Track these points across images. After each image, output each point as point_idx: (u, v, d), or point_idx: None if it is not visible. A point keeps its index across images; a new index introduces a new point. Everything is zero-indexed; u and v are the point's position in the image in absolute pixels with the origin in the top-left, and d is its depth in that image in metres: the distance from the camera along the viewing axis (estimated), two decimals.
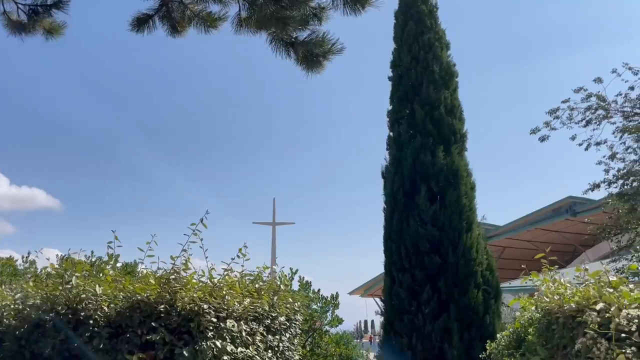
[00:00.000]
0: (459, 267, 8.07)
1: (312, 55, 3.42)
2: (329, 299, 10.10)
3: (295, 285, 10.60)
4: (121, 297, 3.83)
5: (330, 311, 10.09)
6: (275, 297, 5.03)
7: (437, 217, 8.37)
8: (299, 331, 6.08)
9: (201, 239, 4.38)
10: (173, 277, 3.72)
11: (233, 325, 3.75)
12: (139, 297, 3.63)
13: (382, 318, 9.11)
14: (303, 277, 10.69)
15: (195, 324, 3.51)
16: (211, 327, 3.58)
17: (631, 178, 10.57)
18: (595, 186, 10.75)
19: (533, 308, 3.86)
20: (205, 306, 3.54)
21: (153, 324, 3.57)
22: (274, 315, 4.87)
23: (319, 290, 10.47)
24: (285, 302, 5.44)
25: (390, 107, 9.63)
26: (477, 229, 8.58)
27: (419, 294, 8.19)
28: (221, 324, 3.69)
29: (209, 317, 3.54)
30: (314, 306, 10.08)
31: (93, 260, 10.61)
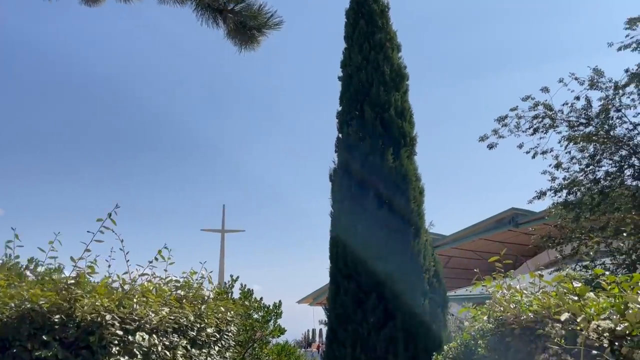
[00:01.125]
0: (406, 273, 7.76)
1: (244, 27, 2.97)
2: (271, 307, 9.56)
3: (237, 294, 10.02)
4: (12, 305, 3.20)
5: (272, 321, 9.56)
6: (203, 307, 4.49)
7: (384, 222, 8.05)
8: (232, 343, 5.54)
9: (122, 240, 3.81)
10: (72, 281, 3.13)
11: (144, 339, 3.19)
12: (28, 306, 3.02)
13: (326, 327, 8.68)
14: (245, 285, 10.12)
15: (95, 338, 2.94)
16: (116, 341, 3.02)
17: (574, 188, 10.65)
18: (542, 194, 10.76)
19: (485, 318, 3.51)
20: (109, 316, 2.97)
21: (45, 337, 2.97)
22: (200, 326, 4.33)
23: (261, 298, 9.93)
24: (216, 311, 4.91)
25: (339, 109, 9.28)
26: (425, 235, 8.32)
27: (364, 302, 7.82)
28: (129, 337, 3.13)
29: (112, 329, 2.98)
30: (255, 315, 9.52)
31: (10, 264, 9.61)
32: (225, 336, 5.20)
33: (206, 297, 4.79)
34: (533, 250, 38.85)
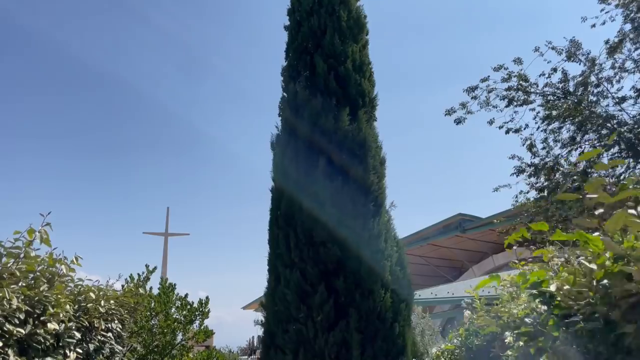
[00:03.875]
0: (363, 260, 6.21)
1: None
2: (195, 305, 7.78)
3: (155, 289, 8.18)
4: None
5: (197, 321, 7.78)
6: (44, 287, 2.75)
7: (338, 196, 6.47)
8: (119, 348, 3.77)
9: None
10: None
11: None
12: None
13: (262, 330, 6.99)
14: (166, 279, 8.29)
15: None
16: None
17: (548, 171, 9.47)
18: (520, 171, 9.49)
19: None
20: None
21: None
22: (37, 317, 2.59)
23: (186, 295, 8.13)
24: (83, 299, 3.16)
25: (285, 63, 7.66)
26: (386, 214, 6.80)
27: (310, 296, 6.19)
28: None
29: None
30: (176, 315, 7.71)
31: None
32: (102, 336, 3.45)
33: (59, 274, 3.03)
34: (479, 256, 38.79)
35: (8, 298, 2.38)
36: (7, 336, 2.42)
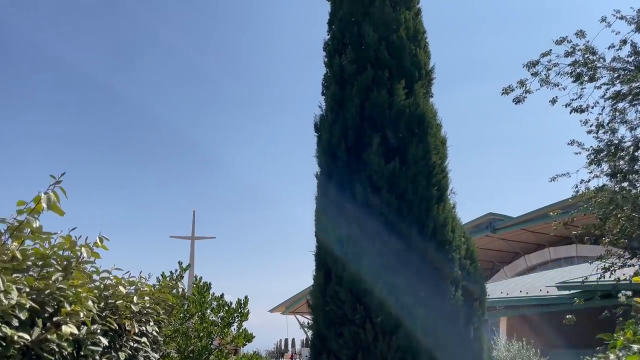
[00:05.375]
0: (428, 252, 5.38)
1: None
2: (234, 306, 7.03)
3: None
4: None
5: (235, 323, 7.04)
6: (57, 276, 2.00)
7: (395, 180, 5.65)
8: (155, 356, 3.03)
9: None
10: None
11: None
12: None
13: (311, 333, 6.21)
14: (200, 277, 7.58)
15: None
16: None
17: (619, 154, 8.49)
18: (598, 154, 8.47)
19: None
20: None
21: None
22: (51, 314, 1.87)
23: (221, 295, 7.40)
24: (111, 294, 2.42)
25: (328, 36, 6.88)
26: (450, 200, 5.96)
27: (367, 294, 5.39)
28: None
29: None
30: (212, 317, 6.99)
31: None
32: (136, 342, 2.70)
33: (78, 259, 2.29)
34: (510, 257, 37.40)
35: (3, 289, 1.65)
36: (4, 343, 1.70)
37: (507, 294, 19.25)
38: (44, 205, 1.84)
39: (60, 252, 2.33)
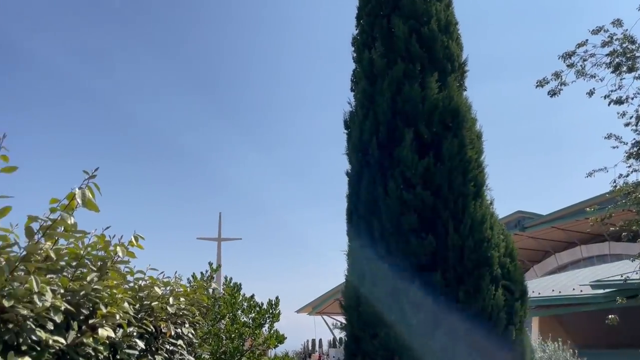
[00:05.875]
0: (466, 250, 5.18)
1: None
2: (264, 307, 6.94)
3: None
4: None
5: (267, 324, 6.94)
6: (93, 277, 1.91)
7: (430, 176, 5.47)
8: (187, 358, 2.92)
9: None
10: None
11: None
12: None
13: (344, 334, 6.07)
14: (230, 278, 7.51)
15: None
16: None
17: None
18: (633, 154, 8.12)
19: None
20: None
21: None
22: (87, 315, 1.77)
23: (252, 296, 7.32)
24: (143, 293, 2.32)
25: (356, 31, 6.73)
26: (487, 196, 5.75)
27: (403, 294, 5.22)
28: None
29: None
30: (244, 318, 6.91)
31: None
32: (171, 345, 2.59)
33: (114, 259, 2.19)
34: (540, 255, 36.52)
35: (37, 291, 1.56)
36: (39, 348, 1.61)
37: (539, 294, 18.81)
38: (79, 201, 1.74)
39: (95, 252, 2.24)
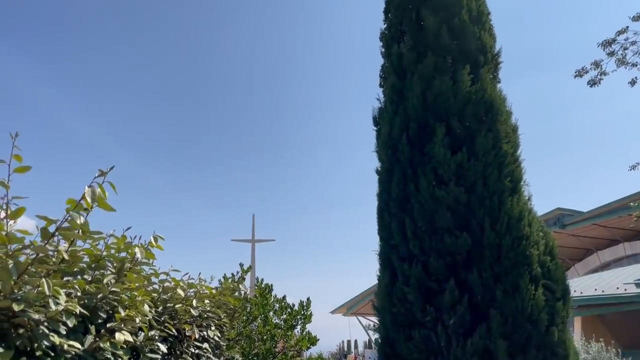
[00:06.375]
0: (503, 249, 4.97)
1: None
2: (296, 308, 6.85)
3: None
4: None
5: (299, 326, 6.85)
6: (109, 279, 1.84)
7: (463, 172, 5.28)
8: None
9: None
10: None
11: None
12: None
13: (377, 335, 5.92)
14: (262, 280, 7.46)
15: None
16: None
17: None
18: None
19: None
20: None
21: None
22: (104, 318, 1.71)
23: (283, 297, 7.25)
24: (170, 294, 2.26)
25: (385, 25, 6.58)
26: (525, 192, 5.51)
27: (437, 294, 5.05)
28: None
29: None
30: (275, 319, 6.84)
31: None
32: (197, 348, 2.52)
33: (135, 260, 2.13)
34: (581, 254, 35.35)
35: (49, 294, 1.50)
36: (53, 354, 1.55)
37: (581, 293, 18.21)
38: (88, 199, 1.67)
39: (118, 254, 2.19)
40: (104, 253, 2.05)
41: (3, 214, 1.67)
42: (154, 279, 2.54)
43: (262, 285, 7.23)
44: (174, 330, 2.28)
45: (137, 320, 1.87)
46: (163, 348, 2.12)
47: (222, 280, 6.36)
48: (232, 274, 6.57)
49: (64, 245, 1.76)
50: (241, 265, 6.66)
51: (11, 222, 1.71)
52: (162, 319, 2.27)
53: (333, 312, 43.62)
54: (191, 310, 2.40)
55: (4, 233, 1.62)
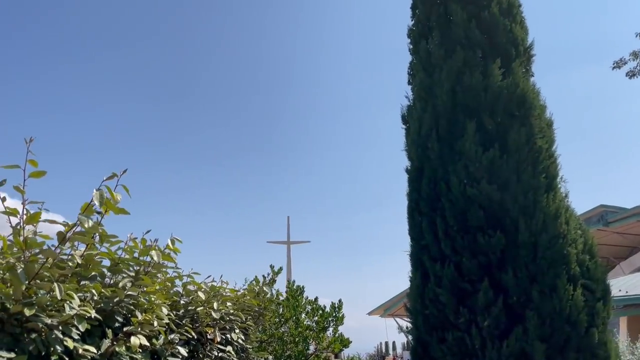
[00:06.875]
0: (539, 248, 4.79)
1: None
2: (328, 310, 6.80)
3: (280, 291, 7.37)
4: None
5: (331, 328, 6.80)
6: (126, 282, 1.84)
7: (495, 169, 5.12)
8: None
9: None
10: None
11: None
12: None
13: (410, 337, 5.81)
14: (293, 281, 7.45)
15: None
16: None
17: None
18: None
19: None
20: None
21: None
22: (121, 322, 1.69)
23: (315, 298, 7.22)
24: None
25: (412, 21, 6.47)
26: (561, 188, 5.31)
27: (470, 295, 4.91)
28: None
29: None
30: (307, 321, 6.81)
31: None
32: (220, 351, 2.50)
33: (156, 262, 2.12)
34: (627, 252, 34.07)
35: (60, 298, 1.49)
36: (68, 358, 1.55)
37: (627, 292, 17.53)
38: (96, 202, 1.67)
39: (138, 258, 2.19)
40: (126, 256, 2.06)
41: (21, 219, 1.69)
42: (177, 282, 2.54)
43: (294, 287, 7.21)
44: (193, 334, 2.27)
45: (155, 323, 1.86)
46: (183, 352, 2.11)
47: (254, 282, 6.37)
48: (263, 275, 6.57)
49: (80, 250, 1.77)
50: (272, 267, 6.66)
51: (29, 227, 1.72)
52: (183, 322, 2.26)
53: (370, 313, 43.37)
54: (212, 313, 2.39)
55: (21, 238, 1.63)
